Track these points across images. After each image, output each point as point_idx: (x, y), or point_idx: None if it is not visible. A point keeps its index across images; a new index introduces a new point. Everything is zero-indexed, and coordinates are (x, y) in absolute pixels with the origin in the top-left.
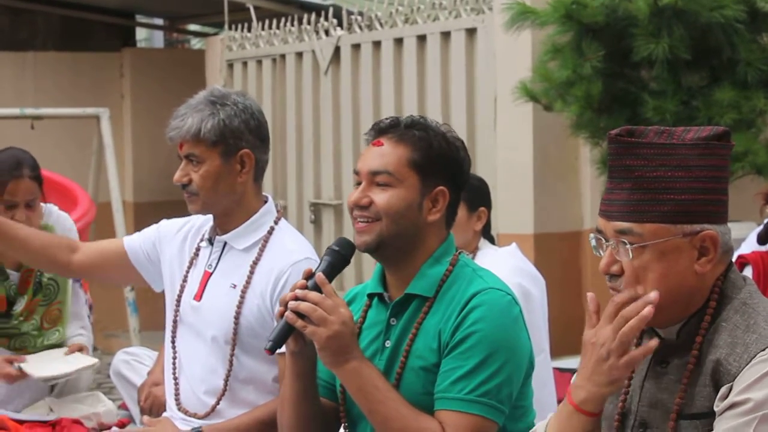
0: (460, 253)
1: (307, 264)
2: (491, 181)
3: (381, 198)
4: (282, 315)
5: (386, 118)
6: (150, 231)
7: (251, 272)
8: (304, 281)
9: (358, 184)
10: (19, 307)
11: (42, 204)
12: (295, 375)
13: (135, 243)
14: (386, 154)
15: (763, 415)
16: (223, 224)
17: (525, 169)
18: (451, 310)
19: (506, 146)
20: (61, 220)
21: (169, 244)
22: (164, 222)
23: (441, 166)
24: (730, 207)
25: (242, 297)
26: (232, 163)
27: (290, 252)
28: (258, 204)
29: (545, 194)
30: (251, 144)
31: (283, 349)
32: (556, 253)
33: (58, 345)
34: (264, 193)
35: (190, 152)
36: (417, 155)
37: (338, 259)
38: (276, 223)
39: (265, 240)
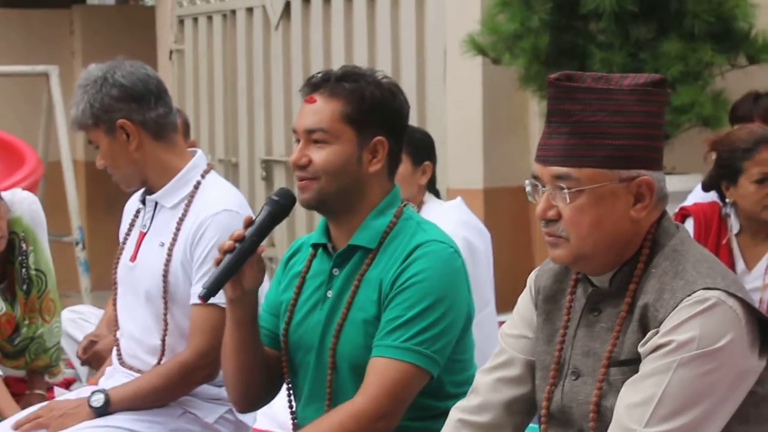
0: (405, 205)
1: (225, 216)
2: (441, 136)
3: (319, 156)
4: (218, 263)
5: (318, 73)
6: None
7: (177, 229)
8: (242, 231)
9: (298, 140)
10: (18, 312)
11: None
12: (235, 323)
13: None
14: (319, 111)
15: (683, 357)
16: (151, 188)
17: (474, 123)
18: (393, 261)
19: (456, 100)
20: (25, 206)
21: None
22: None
23: (376, 116)
24: (677, 159)
25: (169, 254)
26: (116, 136)
27: (212, 204)
28: (181, 161)
29: (494, 149)
30: (124, 111)
31: (217, 299)
32: (505, 208)
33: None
34: (193, 148)
35: (89, 139)
36: (350, 109)
37: (278, 209)
38: (203, 177)
39: (192, 195)
